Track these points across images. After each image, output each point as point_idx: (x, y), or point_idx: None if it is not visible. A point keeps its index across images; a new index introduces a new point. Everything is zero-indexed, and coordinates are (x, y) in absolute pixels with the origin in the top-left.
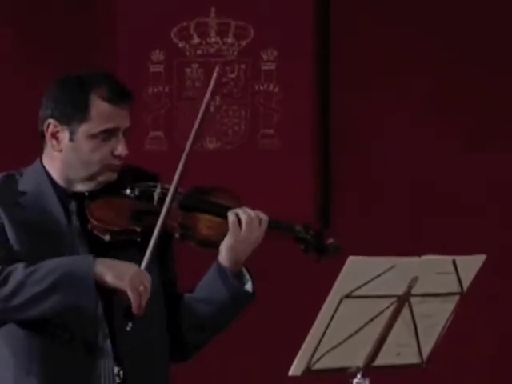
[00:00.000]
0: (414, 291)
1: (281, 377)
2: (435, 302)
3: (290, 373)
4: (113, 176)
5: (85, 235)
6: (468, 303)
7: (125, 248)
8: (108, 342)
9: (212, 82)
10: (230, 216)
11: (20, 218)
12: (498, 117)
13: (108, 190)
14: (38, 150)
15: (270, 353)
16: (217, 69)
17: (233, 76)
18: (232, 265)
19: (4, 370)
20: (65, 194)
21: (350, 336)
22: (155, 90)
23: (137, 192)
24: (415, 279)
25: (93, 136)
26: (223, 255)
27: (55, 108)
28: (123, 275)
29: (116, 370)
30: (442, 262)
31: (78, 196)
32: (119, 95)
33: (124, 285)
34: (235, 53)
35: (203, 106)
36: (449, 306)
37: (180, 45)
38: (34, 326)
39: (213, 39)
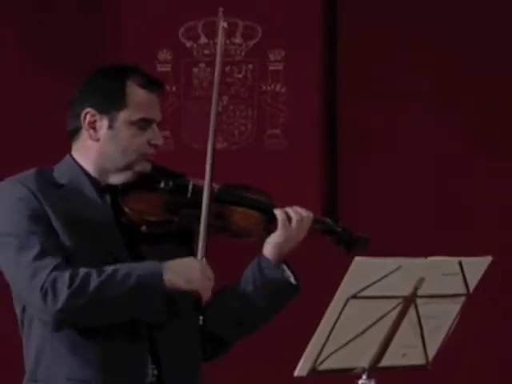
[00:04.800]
0: (420, 292)
1: (286, 377)
2: (441, 303)
3: (296, 373)
4: (148, 167)
5: (119, 229)
6: (474, 304)
7: (159, 241)
8: (146, 341)
9: (220, 32)
10: (280, 214)
11: (63, 209)
12: (501, 119)
13: (141, 184)
14: (45, 150)
15: (276, 353)
16: (221, 14)
17: (240, 76)
18: (275, 260)
19: (59, 352)
20: (99, 187)
21: (356, 337)
22: None
23: (171, 185)
24: (421, 280)
25: (132, 123)
26: (267, 250)
27: (93, 97)
28: (193, 278)
29: (150, 368)
30: (448, 263)
31: (112, 189)
32: (153, 82)
33: (195, 287)
34: (243, 53)
35: (218, 59)
36: (455, 307)
37: (187, 44)
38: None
39: None
